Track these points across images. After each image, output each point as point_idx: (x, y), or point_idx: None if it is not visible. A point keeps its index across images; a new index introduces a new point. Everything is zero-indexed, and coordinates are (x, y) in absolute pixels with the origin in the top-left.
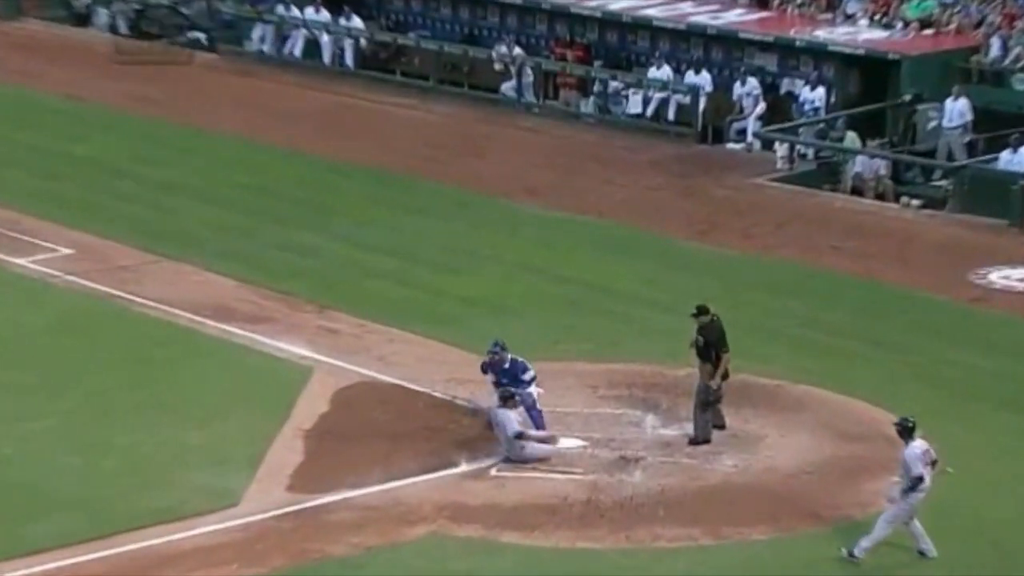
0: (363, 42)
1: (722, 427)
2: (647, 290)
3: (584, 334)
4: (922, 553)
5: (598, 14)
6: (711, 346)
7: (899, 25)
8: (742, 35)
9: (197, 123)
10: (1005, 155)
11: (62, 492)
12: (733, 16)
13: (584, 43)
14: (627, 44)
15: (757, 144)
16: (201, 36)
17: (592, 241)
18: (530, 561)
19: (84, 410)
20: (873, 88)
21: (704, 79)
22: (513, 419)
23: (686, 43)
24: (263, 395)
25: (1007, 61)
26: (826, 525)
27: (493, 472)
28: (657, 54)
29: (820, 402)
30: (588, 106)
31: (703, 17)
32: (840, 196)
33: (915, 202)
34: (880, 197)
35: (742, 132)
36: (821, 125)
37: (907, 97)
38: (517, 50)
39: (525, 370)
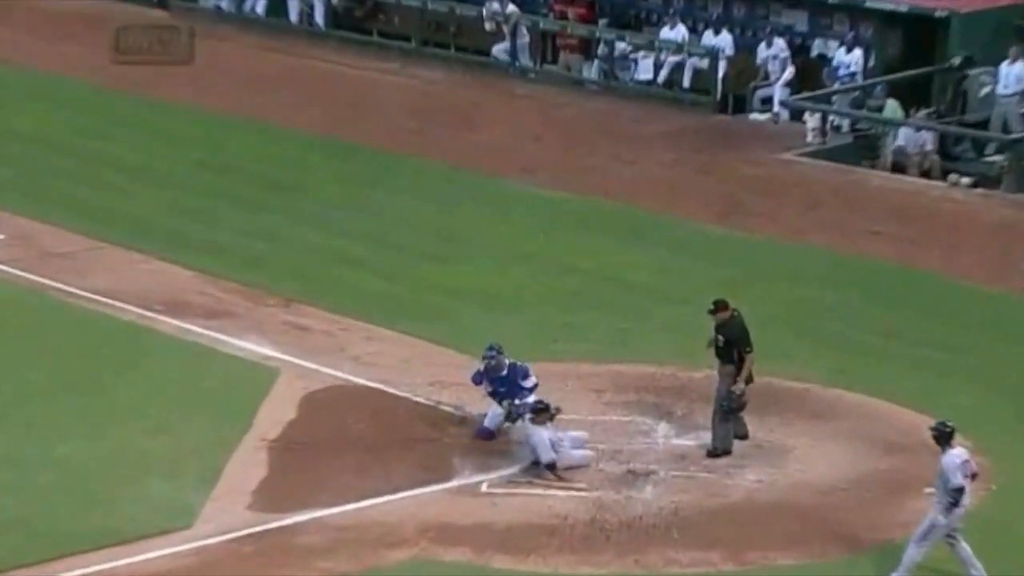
0: None
1: (744, 437)
2: (659, 281)
3: (588, 331)
4: None
5: None
6: (732, 345)
7: None
8: None
9: (146, 91)
10: None
11: None
12: None
13: None
14: (636, 0)
15: (785, 114)
16: None
17: (597, 225)
18: None
19: (15, 417)
20: (917, 50)
21: (724, 40)
22: (547, 439)
23: None
24: (222, 400)
25: None
26: (863, 550)
27: (484, 488)
28: (671, 12)
29: (856, 408)
30: (592, 71)
31: None
32: (879, 173)
33: (965, 180)
34: (925, 174)
35: (768, 101)
36: (857, 93)
37: (956, 60)
38: (511, 7)
39: (526, 376)
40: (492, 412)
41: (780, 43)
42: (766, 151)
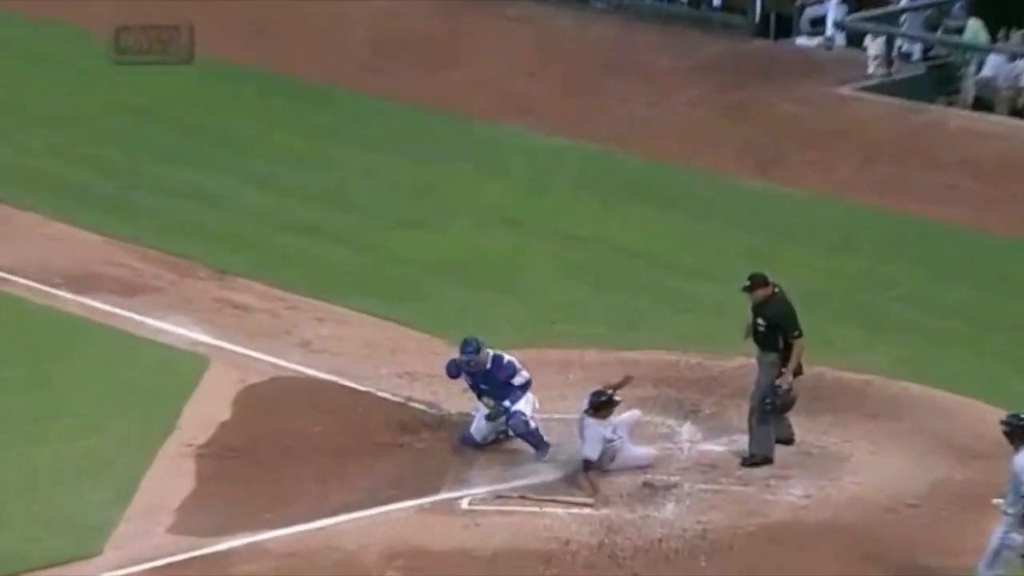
0: None
1: (789, 441)
2: (681, 250)
3: (594, 312)
4: None
5: None
6: (775, 330)
7: None
8: None
9: (51, 14)
10: None
11: None
12: None
13: None
14: None
15: (840, 38)
16: None
17: (604, 182)
18: None
19: None
20: None
21: None
22: (601, 436)
23: None
24: (139, 397)
25: None
26: None
27: (465, 504)
28: None
29: (924, 404)
30: None
31: None
32: (958, 112)
33: None
34: (1017, 114)
35: (819, 22)
36: (931, 11)
37: None
38: None
39: (514, 373)
40: (479, 417)
41: None
42: (816, 85)
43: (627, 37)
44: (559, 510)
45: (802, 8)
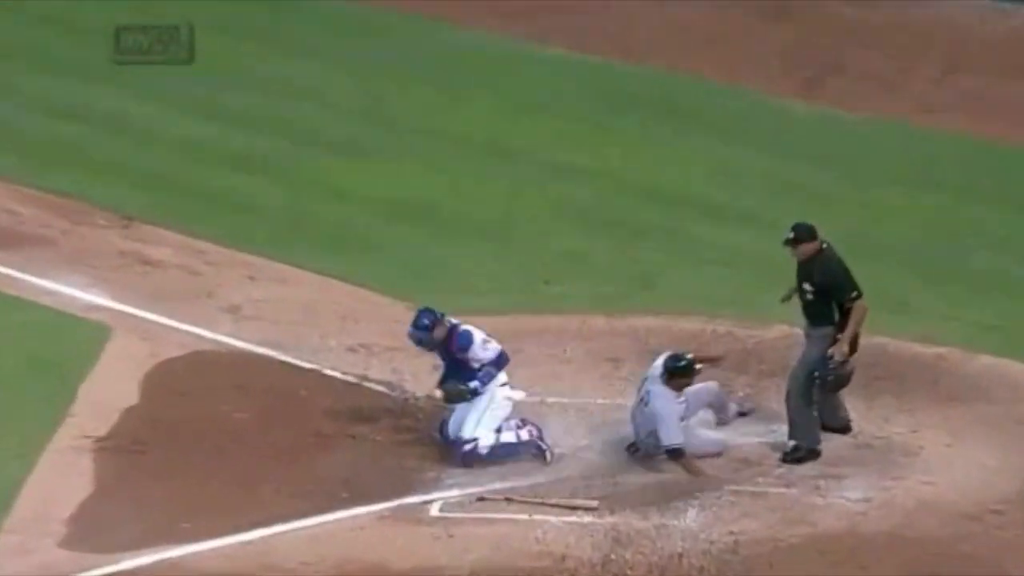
0: None
1: (845, 430)
2: (707, 188)
3: (598, 267)
4: None
5: None
6: (827, 296)
7: None
8: None
9: None
10: None
11: None
12: None
13: None
14: None
15: None
16: None
17: (612, 101)
18: None
19: None
20: None
21: None
22: (678, 412)
23: None
24: (21, 376)
25: None
26: None
27: (435, 511)
28: None
29: (1016, 384)
30: None
31: None
32: None
33: None
34: None
35: None
36: None
37: None
38: None
39: (468, 344)
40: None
41: None
42: None
43: None
44: (553, 517)
45: None
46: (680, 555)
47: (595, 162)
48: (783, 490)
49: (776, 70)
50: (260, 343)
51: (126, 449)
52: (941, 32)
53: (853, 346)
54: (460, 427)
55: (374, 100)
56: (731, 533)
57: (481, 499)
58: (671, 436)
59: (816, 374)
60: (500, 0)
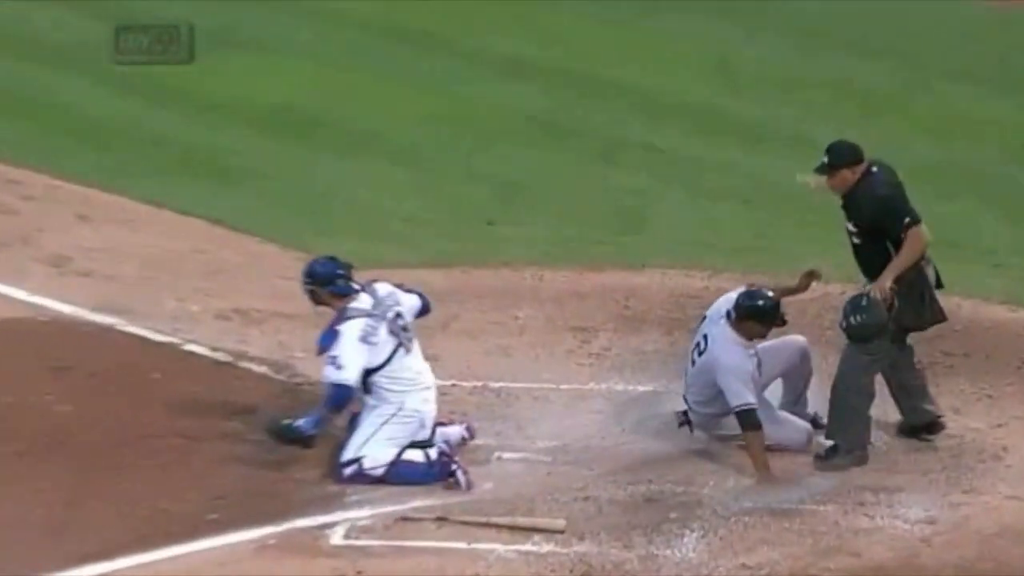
0: None
1: (933, 427)
2: (711, 82)
3: (558, 200)
4: None
5: None
6: (878, 236)
7: None
8: None
9: None
10: None
11: None
12: None
13: None
14: None
15: None
16: None
17: None
18: None
19: None
20: None
21: None
22: (746, 371)
23: None
24: None
25: None
26: None
27: (337, 538)
28: None
29: None
30: None
31: None
32: None
33: None
34: None
35: None
36: None
37: None
38: None
39: (334, 358)
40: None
41: None
42: None
43: None
44: (500, 545)
45: None
46: None
47: (547, 53)
48: (816, 507)
49: None
50: (95, 308)
51: None
52: None
53: (935, 312)
54: (342, 447)
55: None
56: (744, 567)
57: (404, 519)
58: (740, 393)
59: (850, 316)
60: None
